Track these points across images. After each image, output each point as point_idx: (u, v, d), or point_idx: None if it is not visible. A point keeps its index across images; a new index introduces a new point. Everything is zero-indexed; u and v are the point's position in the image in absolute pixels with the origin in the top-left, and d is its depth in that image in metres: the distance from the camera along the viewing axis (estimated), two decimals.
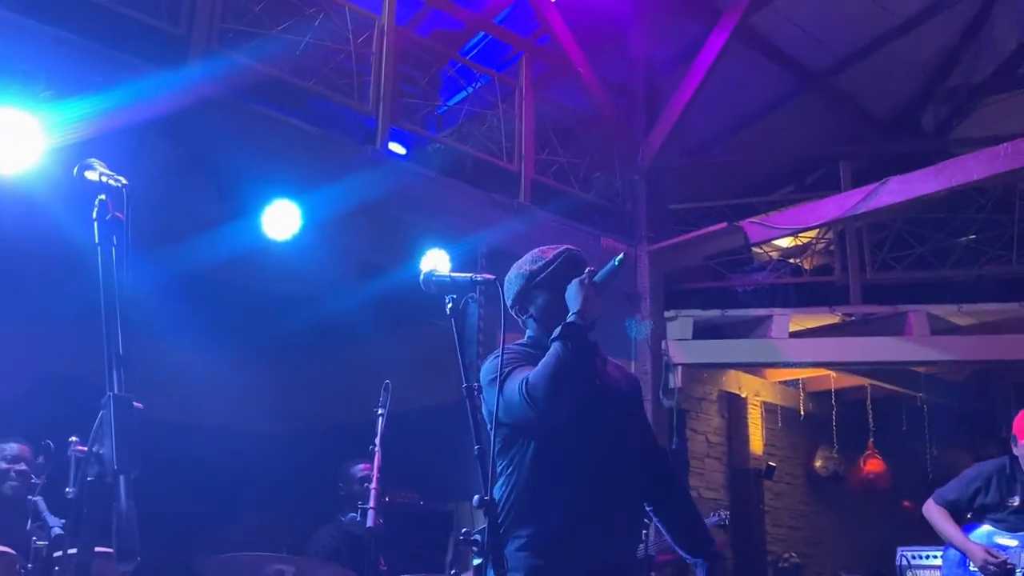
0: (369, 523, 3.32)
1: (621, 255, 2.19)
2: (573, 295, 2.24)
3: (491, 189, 5.92)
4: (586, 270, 2.28)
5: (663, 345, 6.31)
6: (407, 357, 5.41)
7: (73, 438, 1.40)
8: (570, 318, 2.20)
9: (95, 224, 1.50)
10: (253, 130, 4.82)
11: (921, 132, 8.71)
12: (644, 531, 2.47)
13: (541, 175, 6.22)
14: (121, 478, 1.24)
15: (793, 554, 6.89)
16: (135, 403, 1.34)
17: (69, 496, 1.33)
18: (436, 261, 5.39)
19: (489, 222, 5.78)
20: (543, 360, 2.15)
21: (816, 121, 8.40)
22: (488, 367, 2.23)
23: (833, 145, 8.40)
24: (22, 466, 3.47)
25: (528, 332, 2.44)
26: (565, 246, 2.41)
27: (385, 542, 3.97)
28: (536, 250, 2.44)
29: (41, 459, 2.98)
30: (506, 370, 2.20)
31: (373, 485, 3.40)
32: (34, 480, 2.92)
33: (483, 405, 2.19)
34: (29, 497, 2.90)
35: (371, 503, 3.36)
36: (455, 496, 5.79)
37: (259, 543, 3.43)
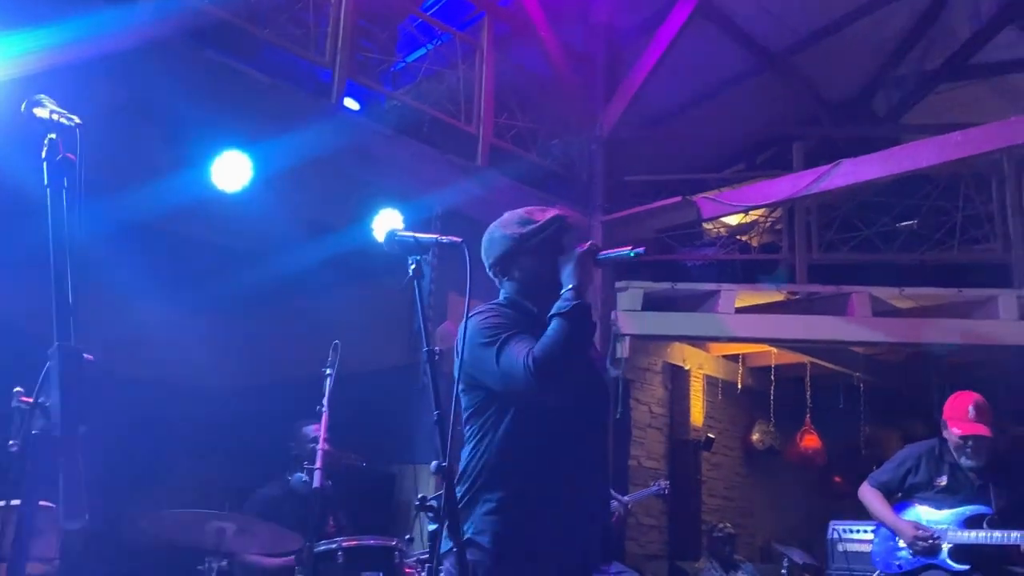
0: (316, 484, 3.29)
1: (642, 248, 2.14)
2: (572, 267, 2.19)
3: (448, 150, 5.84)
4: (588, 243, 2.23)
5: (612, 315, 6.34)
6: (357, 317, 5.34)
7: (17, 388, 1.32)
8: (568, 293, 2.15)
9: (44, 165, 1.41)
10: (204, 76, 4.65)
11: (872, 116, 8.85)
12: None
13: (499, 139, 6.15)
14: (69, 432, 1.18)
15: (727, 524, 7.04)
16: (85, 355, 1.27)
17: (12, 450, 1.26)
18: (389, 220, 5.31)
19: (444, 183, 5.70)
20: (549, 336, 2.10)
21: (772, 101, 8.46)
22: (474, 329, 2.15)
23: (787, 126, 8.49)
24: None
25: (504, 292, 2.37)
26: (557, 210, 2.34)
27: (330, 502, 3.94)
28: (523, 211, 2.36)
29: None
30: (501, 335, 2.15)
31: (320, 445, 3.36)
32: None
33: (456, 366, 2.13)
34: None
35: (318, 464, 3.31)
36: (398, 458, 5.77)
37: (203, 500, 3.37)
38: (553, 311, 2.15)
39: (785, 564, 5.29)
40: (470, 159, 5.92)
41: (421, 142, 5.75)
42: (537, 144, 6.41)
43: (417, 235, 2.12)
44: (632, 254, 2.18)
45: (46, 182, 1.40)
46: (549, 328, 2.12)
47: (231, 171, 4.62)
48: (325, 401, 3.51)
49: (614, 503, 4.96)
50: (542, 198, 6.29)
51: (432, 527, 1.84)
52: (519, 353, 2.09)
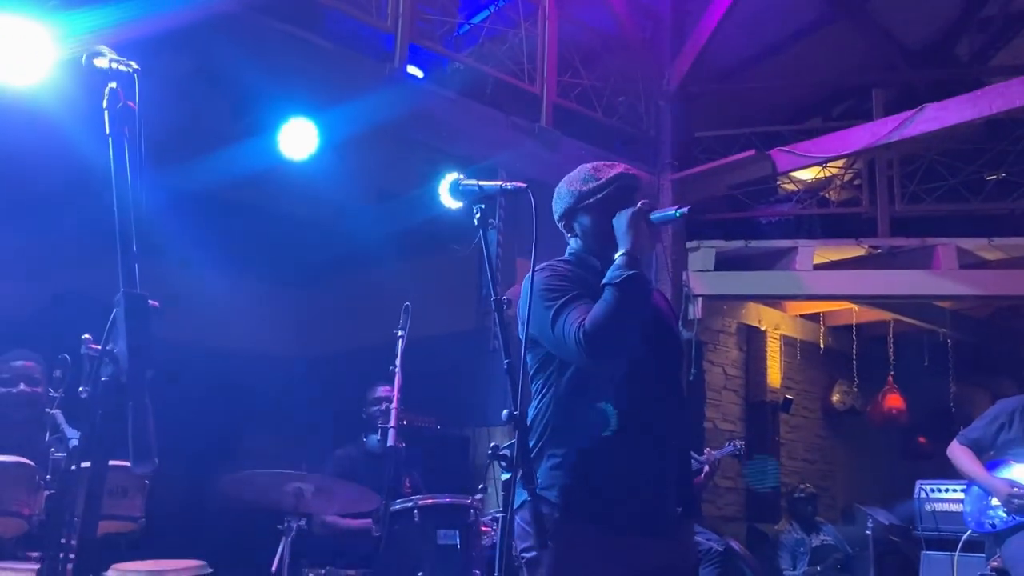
0: (390, 442, 3.31)
1: (686, 208, 2.08)
2: (624, 228, 2.13)
3: (511, 112, 5.76)
4: (640, 203, 2.16)
5: (684, 276, 6.21)
6: (424, 283, 5.35)
7: (86, 336, 1.33)
8: (621, 259, 2.10)
9: (105, 114, 1.40)
10: (268, 45, 4.67)
11: (955, 61, 8.41)
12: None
13: (563, 98, 6.04)
14: (136, 377, 1.17)
15: (808, 484, 6.89)
16: (150, 301, 1.26)
17: (83, 396, 1.27)
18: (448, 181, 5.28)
19: (509, 145, 5.64)
20: (599, 308, 2.06)
21: (847, 49, 8.10)
22: (534, 290, 2.10)
23: (864, 75, 8.12)
24: (24, 386, 3.40)
25: (570, 248, 2.35)
26: (620, 168, 2.28)
27: (405, 464, 3.97)
28: (590, 166, 2.31)
29: (58, 373, 2.95)
30: (558, 300, 2.11)
31: (393, 405, 3.37)
32: (52, 394, 2.89)
33: (518, 321, 2.09)
34: (47, 410, 2.88)
35: (391, 423, 3.33)
36: (471, 422, 5.79)
37: (279, 463, 3.42)
38: (605, 279, 2.10)
39: (870, 525, 5.14)
40: (534, 120, 5.84)
41: (485, 105, 5.69)
42: (603, 102, 6.27)
43: (481, 183, 2.08)
44: (677, 214, 2.12)
45: (108, 131, 1.39)
46: (601, 299, 2.08)
47: (298, 139, 4.64)
48: (398, 362, 3.52)
49: (695, 463, 4.89)
50: (609, 158, 6.13)
51: (505, 476, 1.81)
52: (572, 323, 2.07)
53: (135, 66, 1.42)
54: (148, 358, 1.21)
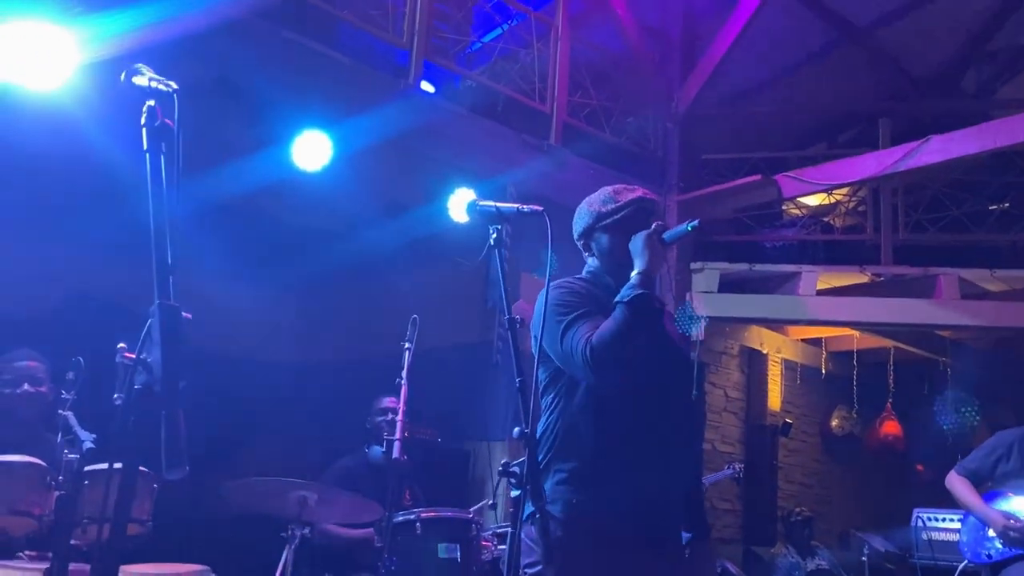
0: (395, 454, 3.34)
1: (696, 221, 2.13)
2: (639, 248, 2.20)
3: (522, 130, 5.83)
4: (654, 224, 2.23)
5: (687, 297, 6.26)
6: (429, 296, 5.38)
7: (121, 345, 1.38)
8: (635, 278, 2.16)
9: (143, 131, 1.45)
10: (284, 57, 4.74)
11: (962, 93, 8.48)
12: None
13: (573, 117, 6.11)
14: (170, 387, 1.22)
15: (805, 508, 6.91)
16: (183, 313, 1.31)
17: (117, 403, 1.31)
18: (464, 199, 5.33)
19: (518, 162, 5.71)
20: (607, 325, 2.11)
21: (855, 77, 8.19)
22: (547, 305, 2.16)
23: (871, 103, 8.19)
24: (28, 386, 3.43)
25: (588, 266, 2.42)
26: (639, 192, 2.36)
27: (406, 476, 4.00)
28: (610, 189, 2.39)
29: (71, 375, 2.98)
30: (568, 316, 2.17)
31: (399, 417, 3.41)
32: (64, 395, 2.92)
33: (533, 339, 2.14)
34: (60, 412, 2.91)
35: (397, 435, 3.37)
36: (473, 436, 5.82)
37: (284, 471, 3.45)
38: (617, 298, 2.15)
39: (866, 551, 5.16)
40: (544, 138, 5.91)
41: (496, 122, 5.76)
42: (611, 122, 6.34)
43: (499, 204, 2.13)
44: (689, 227, 2.17)
45: (145, 147, 1.45)
46: (611, 316, 2.12)
47: (311, 150, 4.70)
48: (404, 374, 3.56)
49: (727, 471, 4.91)
50: (616, 177, 6.22)
51: (515, 493, 1.84)
52: (581, 338, 2.11)
53: (174, 86, 1.47)
54: (181, 369, 1.26)
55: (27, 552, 2.90)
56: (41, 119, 3.85)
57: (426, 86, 5.73)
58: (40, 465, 2.86)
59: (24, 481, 2.80)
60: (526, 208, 2.10)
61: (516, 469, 1.85)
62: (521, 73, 5.98)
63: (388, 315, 4.32)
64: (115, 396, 1.32)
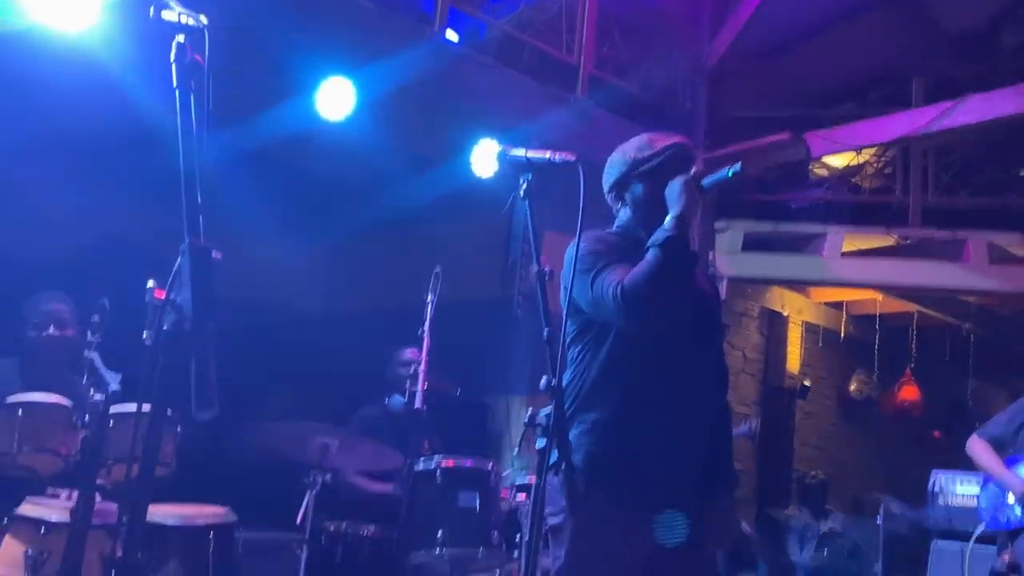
0: (417, 404, 3.35)
1: (738, 165, 2.06)
2: (675, 194, 2.12)
3: (547, 81, 5.74)
4: (692, 170, 2.16)
5: (710, 256, 6.20)
6: (453, 249, 5.36)
7: (150, 283, 1.36)
8: (669, 222, 2.09)
9: (173, 67, 1.42)
10: (308, 1, 4.67)
11: (998, 53, 8.25)
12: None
13: (600, 70, 6.01)
14: (200, 327, 1.21)
15: (820, 472, 6.92)
16: (214, 252, 1.29)
17: (146, 343, 1.30)
18: (487, 153, 5.28)
19: (543, 114, 5.62)
20: (640, 267, 2.06)
21: (888, 34, 7.95)
22: (576, 255, 2.11)
23: (904, 61, 7.98)
24: (54, 329, 3.44)
25: (619, 219, 2.35)
26: (676, 138, 2.29)
27: (426, 426, 4.02)
28: (646, 136, 2.32)
29: (96, 317, 2.99)
30: (598, 263, 2.13)
31: (422, 368, 3.42)
32: (89, 337, 2.94)
33: (561, 291, 2.12)
34: (84, 353, 2.93)
35: (420, 386, 3.38)
36: (493, 389, 5.83)
37: (305, 417, 3.47)
38: (650, 241, 2.10)
39: (881, 514, 5.16)
40: (569, 90, 5.81)
41: (520, 72, 5.67)
42: (639, 76, 6.23)
43: (529, 153, 2.08)
44: (730, 173, 2.10)
45: (175, 84, 1.42)
46: (643, 259, 2.08)
47: (335, 99, 4.64)
48: (426, 326, 3.55)
49: (743, 428, 4.92)
50: (641, 131, 6.11)
51: (541, 443, 1.84)
52: (612, 282, 2.07)
53: (204, 20, 1.44)
54: (212, 309, 1.25)
55: (54, 490, 2.95)
56: (68, 60, 3.81)
57: (451, 35, 5.64)
58: (66, 405, 2.89)
59: (51, 421, 2.84)
60: (557, 157, 2.05)
61: (542, 420, 1.84)
62: (548, 23, 5.87)
63: (411, 267, 4.31)
64: (144, 335, 1.31)
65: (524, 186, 2.08)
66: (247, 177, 4.57)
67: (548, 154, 2.06)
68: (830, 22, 7.80)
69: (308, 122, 4.65)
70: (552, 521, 2.13)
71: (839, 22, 7.80)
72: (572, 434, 2.10)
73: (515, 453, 3.55)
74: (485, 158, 5.17)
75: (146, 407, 1.34)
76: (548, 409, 1.86)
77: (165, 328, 1.26)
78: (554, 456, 1.91)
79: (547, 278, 1.98)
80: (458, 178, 5.13)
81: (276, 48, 4.64)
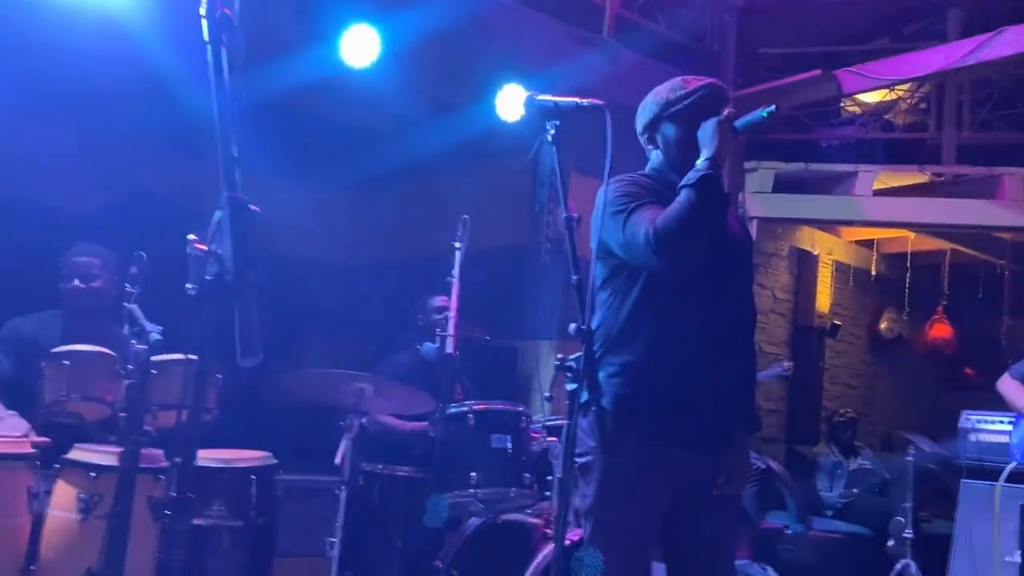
0: (448, 349, 3.41)
1: (773, 107, 2.05)
2: (708, 134, 2.12)
3: (573, 23, 5.66)
4: (726, 110, 2.15)
5: (740, 197, 6.15)
6: (478, 195, 5.39)
7: (191, 236, 1.41)
8: (702, 163, 2.09)
9: (203, 21, 1.44)
10: None
11: None
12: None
13: (626, 9, 5.90)
14: (241, 277, 1.25)
15: (849, 409, 6.93)
16: (252, 206, 1.33)
17: (190, 293, 1.35)
18: (512, 96, 5.25)
19: (569, 57, 5.55)
20: (672, 206, 2.07)
21: None
22: (607, 197, 2.13)
23: None
24: (78, 282, 3.51)
25: (651, 162, 2.35)
26: (709, 79, 2.28)
27: (456, 372, 4.09)
28: (679, 78, 2.32)
29: (134, 269, 3.06)
30: (631, 204, 2.13)
31: (452, 314, 3.47)
32: (128, 288, 3.01)
33: (592, 233, 2.14)
34: (124, 304, 3.00)
35: (450, 332, 3.43)
36: (521, 335, 5.89)
37: (337, 363, 3.55)
38: (682, 181, 2.10)
39: (912, 451, 5.18)
40: (596, 31, 5.72)
41: (545, 14, 5.58)
42: (666, 15, 6.11)
43: (557, 99, 2.08)
44: (764, 113, 2.09)
45: (206, 37, 1.44)
46: (675, 200, 2.07)
47: (360, 46, 4.62)
48: (455, 273, 3.59)
49: (776, 369, 4.95)
50: (670, 73, 5.99)
51: (571, 386, 1.88)
52: (644, 222, 2.08)
53: None
54: (252, 260, 1.29)
55: (108, 437, 3.06)
56: (94, 19, 3.84)
57: None
58: (110, 355, 2.98)
59: (95, 370, 2.93)
60: (585, 102, 2.05)
61: (572, 363, 1.88)
62: None
63: (436, 214, 4.34)
64: (187, 286, 1.36)
65: (552, 132, 2.08)
66: (272, 125, 4.59)
67: (576, 100, 2.06)
68: None
69: (332, 69, 4.65)
70: (581, 460, 2.18)
71: None
72: (601, 376, 2.13)
73: (545, 396, 3.60)
74: (510, 102, 5.14)
75: (192, 356, 1.39)
76: (578, 353, 1.89)
77: (208, 279, 1.31)
78: (583, 398, 1.95)
79: (575, 224, 2.00)
80: (483, 123, 5.11)
81: None
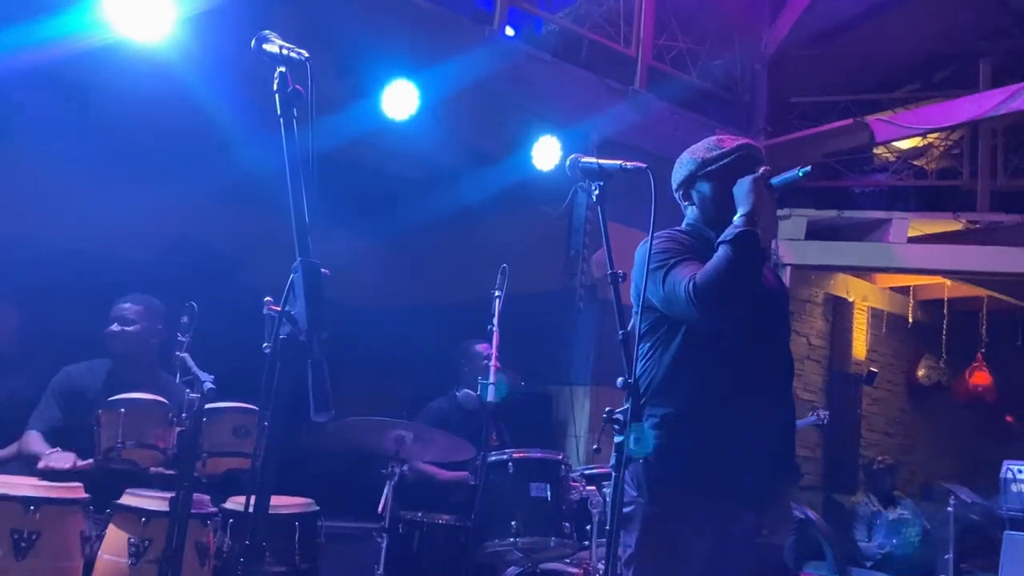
0: (489, 397, 3.46)
1: (808, 167, 2.12)
2: (744, 192, 2.19)
3: (606, 75, 5.79)
4: (761, 169, 2.22)
5: (773, 245, 6.18)
6: (516, 243, 5.47)
7: (267, 298, 1.49)
8: (739, 220, 2.16)
9: (276, 96, 1.54)
10: (371, 5, 4.81)
11: None
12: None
13: (658, 61, 6.02)
14: (314, 337, 1.32)
15: (887, 457, 6.85)
16: (323, 269, 1.41)
17: (265, 352, 1.43)
18: (548, 148, 5.35)
19: (602, 108, 5.67)
20: (712, 262, 2.14)
21: (953, 13, 7.77)
22: (646, 253, 2.20)
23: (970, 40, 7.79)
24: (116, 326, 3.62)
25: (687, 218, 2.43)
26: (745, 140, 2.36)
27: (493, 419, 4.13)
28: (714, 138, 2.40)
29: (185, 319, 3.17)
30: (670, 260, 2.20)
31: (493, 363, 3.52)
32: (180, 338, 3.11)
33: (632, 288, 2.20)
34: (176, 353, 3.10)
35: (491, 379, 3.48)
36: (554, 380, 5.93)
37: (379, 411, 3.61)
38: (721, 238, 2.16)
39: (952, 502, 5.11)
40: (628, 83, 5.84)
41: (579, 66, 5.73)
42: (698, 66, 6.23)
43: (601, 161, 2.17)
44: (800, 173, 2.16)
45: (279, 112, 1.53)
46: (715, 255, 2.13)
47: (399, 100, 4.77)
48: (495, 321, 3.65)
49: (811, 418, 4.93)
50: (701, 123, 6.14)
51: (618, 438, 1.93)
52: (684, 276, 2.14)
53: (306, 54, 1.55)
54: (323, 321, 1.36)
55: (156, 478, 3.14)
56: (148, 71, 4.02)
57: (509, 31, 5.72)
58: (163, 403, 3.07)
59: (150, 417, 3.02)
60: (629, 165, 2.13)
61: (619, 416, 1.93)
62: (605, 15, 5.91)
63: (475, 263, 4.42)
64: (264, 345, 1.44)
65: (596, 192, 2.16)
66: (317, 178, 4.73)
67: (620, 162, 2.14)
68: (891, 4, 7.66)
69: (375, 123, 4.80)
70: (623, 511, 2.21)
71: (900, 3, 7.66)
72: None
73: (594, 448, 3.62)
74: (545, 153, 5.25)
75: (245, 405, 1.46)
76: (626, 406, 1.94)
77: (282, 338, 1.39)
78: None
79: (620, 280, 2.06)
80: (519, 173, 5.22)
81: (343, 51, 4.79)
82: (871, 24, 7.68)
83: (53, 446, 3.40)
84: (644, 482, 2.17)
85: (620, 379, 1.93)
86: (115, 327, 3.62)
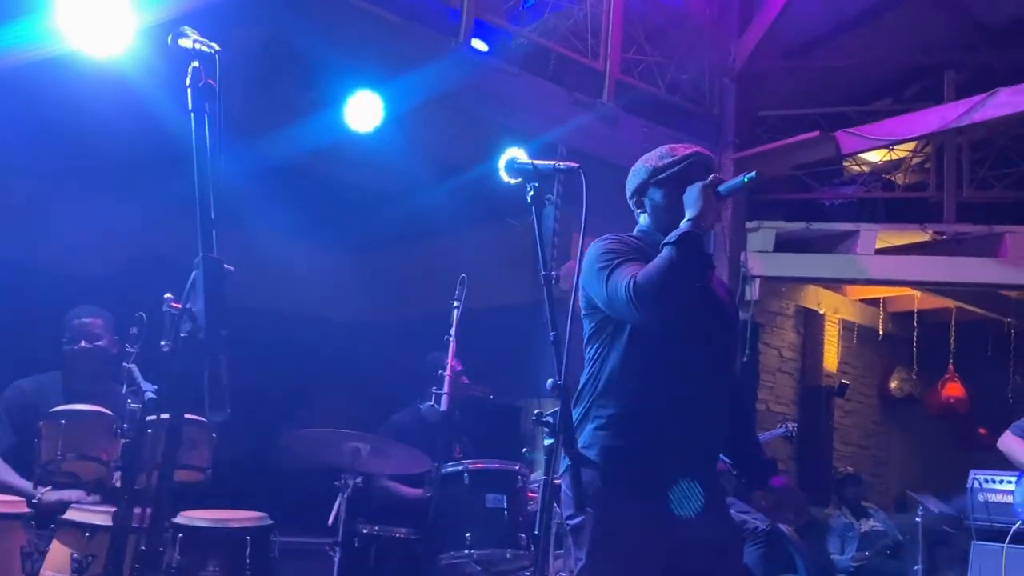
0: (442, 407, 3.43)
1: (753, 173, 2.12)
2: (693, 198, 2.19)
3: (574, 88, 5.79)
4: (710, 176, 2.22)
5: (742, 256, 6.19)
6: (483, 255, 5.45)
7: (168, 295, 1.46)
8: (685, 224, 2.16)
9: (188, 91, 1.51)
10: (336, 17, 4.79)
11: None
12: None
13: (626, 74, 6.04)
14: (213, 334, 1.29)
15: (849, 467, 6.86)
16: (226, 265, 1.38)
17: (164, 350, 1.40)
18: (503, 159, 5.34)
19: (570, 121, 5.67)
20: (653, 262, 2.14)
21: (922, 27, 7.85)
22: (593, 254, 2.21)
23: (939, 55, 7.87)
24: (85, 343, 3.58)
25: (639, 226, 2.44)
26: (696, 148, 2.37)
27: (456, 430, 4.10)
28: (667, 146, 2.41)
29: (135, 330, 3.12)
30: (614, 261, 2.20)
31: (447, 372, 3.49)
32: (128, 349, 3.06)
33: (579, 290, 2.19)
34: (124, 364, 3.05)
35: (445, 389, 3.45)
36: (522, 392, 5.89)
37: (339, 423, 3.57)
38: (664, 240, 2.16)
39: (920, 512, 5.10)
40: (596, 96, 5.85)
41: (547, 80, 5.72)
42: (666, 79, 6.25)
43: (535, 162, 2.16)
44: (746, 179, 2.16)
45: (190, 107, 1.51)
46: (658, 255, 2.14)
47: (363, 111, 4.75)
48: (452, 331, 3.63)
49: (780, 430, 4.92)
50: (670, 135, 6.15)
51: (548, 442, 1.90)
52: (625, 276, 2.14)
53: (216, 47, 1.53)
54: (224, 317, 1.33)
55: (96, 495, 3.08)
56: (105, 84, 3.98)
57: (478, 44, 5.71)
58: (107, 414, 3.02)
59: (93, 429, 2.97)
60: (562, 165, 2.13)
61: (549, 419, 1.90)
62: (573, 29, 5.92)
63: (441, 274, 4.39)
64: (162, 343, 1.40)
65: (531, 193, 2.15)
66: (281, 188, 4.70)
67: (554, 162, 2.13)
68: (861, 17, 7.71)
69: (338, 134, 4.78)
70: (571, 523, 2.18)
71: (870, 17, 7.71)
72: (588, 429, 2.19)
73: (523, 451, 3.60)
74: (515, 155, 5.23)
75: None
76: (554, 409, 1.91)
77: (181, 335, 1.35)
78: (566, 462, 1.97)
79: (554, 282, 2.04)
80: (485, 186, 5.20)
81: (306, 63, 4.78)
82: (840, 39, 7.75)
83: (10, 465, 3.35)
84: (586, 488, 2.14)
85: (550, 381, 1.91)
86: (84, 344, 3.57)
